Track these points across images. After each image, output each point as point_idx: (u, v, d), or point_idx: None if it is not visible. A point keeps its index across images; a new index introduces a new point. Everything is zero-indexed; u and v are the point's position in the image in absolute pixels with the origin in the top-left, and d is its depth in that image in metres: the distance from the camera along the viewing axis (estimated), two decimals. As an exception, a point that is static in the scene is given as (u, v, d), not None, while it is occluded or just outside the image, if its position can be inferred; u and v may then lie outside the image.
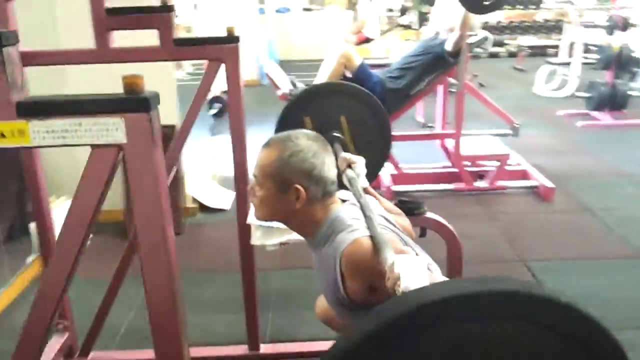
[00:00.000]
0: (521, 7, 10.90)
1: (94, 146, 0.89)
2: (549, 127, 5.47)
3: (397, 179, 3.91)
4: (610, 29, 5.54)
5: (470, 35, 3.69)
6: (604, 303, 2.46)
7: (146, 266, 0.95)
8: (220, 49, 1.85)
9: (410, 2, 9.70)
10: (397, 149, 3.68)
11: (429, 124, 5.01)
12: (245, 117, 1.96)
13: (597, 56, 5.76)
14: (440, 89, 4.08)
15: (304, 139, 1.39)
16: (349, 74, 3.67)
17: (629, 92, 5.55)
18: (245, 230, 2.04)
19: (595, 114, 5.62)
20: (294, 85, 4.01)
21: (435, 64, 3.65)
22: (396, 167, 3.97)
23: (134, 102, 0.87)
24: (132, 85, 0.87)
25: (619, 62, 5.46)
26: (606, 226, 3.26)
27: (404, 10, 9.66)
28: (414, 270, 1.08)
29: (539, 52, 9.87)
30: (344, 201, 1.46)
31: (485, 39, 3.63)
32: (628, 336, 2.32)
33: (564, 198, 3.69)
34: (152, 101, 0.88)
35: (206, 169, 4.17)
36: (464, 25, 3.36)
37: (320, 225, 1.39)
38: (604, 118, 5.53)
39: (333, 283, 1.32)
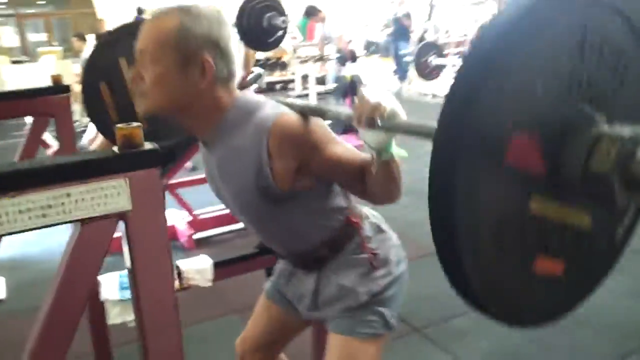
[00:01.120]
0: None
1: (85, 221, 0.67)
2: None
3: (195, 225, 3.76)
4: (341, 61, 6.30)
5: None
6: (414, 300, 2.77)
7: (151, 341, 0.75)
8: (48, 100, 1.57)
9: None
10: (187, 196, 3.69)
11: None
12: None
13: (329, 86, 6.51)
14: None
15: (206, 8, 1.18)
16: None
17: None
18: (97, 311, 1.73)
19: (342, 137, 6.29)
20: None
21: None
22: (190, 213, 3.82)
23: (137, 157, 0.69)
24: (130, 137, 0.69)
25: (353, 89, 6.24)
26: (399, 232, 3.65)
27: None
28: (386, 95, 1.04)
29: (281, 87, 10.58)
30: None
31: (260, 75, 3.77)
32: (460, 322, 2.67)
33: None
34: (159, 153, 0.71)
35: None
36: (247, 65, 3.46)
37: (227, 109, 1.20)
38: (350, 139, 6.22)
39: (254, 170, 1.18)
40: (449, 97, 0.70)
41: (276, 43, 3.40)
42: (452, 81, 0.72)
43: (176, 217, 3.80)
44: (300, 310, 1.49)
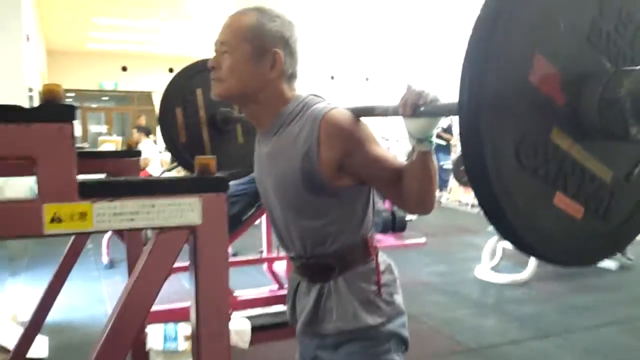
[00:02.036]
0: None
1: (161, 229, 0.81)
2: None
3: (233, 305, 3.83)
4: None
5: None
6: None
7: (204, 346, 0.85)
8: (122, 161, 1.76)
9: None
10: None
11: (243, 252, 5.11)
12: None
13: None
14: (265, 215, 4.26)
15: (279, 11, 1.35)
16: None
17: (406, 218, 6.46)
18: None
19: (380, 236, 6.36)
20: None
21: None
22: (230, 294, 3.92)
23: (210, 182, 0.84)
24: (206, 166, 0.84)
25: (394, 225, 6.31)
26: (431, 327, 3.65)
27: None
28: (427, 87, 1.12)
29: None
30: None
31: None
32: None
33: (385, 309, 4.04)
34: (227, 181, 0.86)
35: (4, 311, 3.58)
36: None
37: (288, 102, 1.34)
38: (388, 240, 6.29)
39: (302, 154, 1.28)
40: (479, 18, 0.80)
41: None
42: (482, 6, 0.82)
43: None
44: (298, 328, 1.49)
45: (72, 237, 1.76)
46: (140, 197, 0.79)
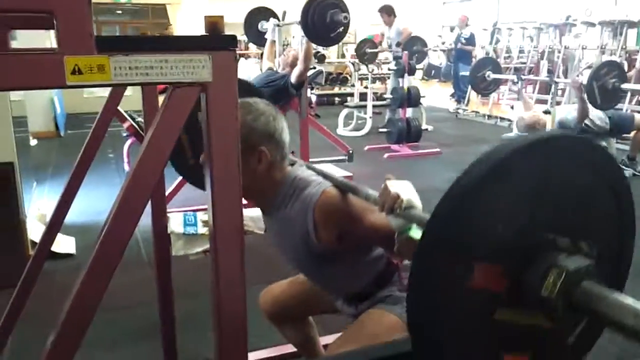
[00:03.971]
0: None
1: (175, 84, 0.87)
2: (362, 161, 6.07)
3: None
4: (399, 73, 6.44)
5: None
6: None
7: (218, 211, 0.93)
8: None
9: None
10: None
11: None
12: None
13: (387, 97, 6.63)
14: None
15: (262, 104, 1.43)
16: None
17: (421, 127, 6.48)
18: (162, 242, 1.94)
19: (395, 146, 6.41)
20: (133, 119, 3.91)
21: (278, 96, 3.88)
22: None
23: (220, 40, 0.88)
24: (215, 24, 0.88)
25: (409, 101, 6.35)
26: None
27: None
28: (406, 187, 1.21)
29: (339, 101, 10.55)
30: (291, 164, 1.52)
31: (320, 72, 3.96)
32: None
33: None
34: (236, 40, 0.90)
35: (34, 213, 3.76)
36: (307, 59, 3.66)
37: (279, 186, 1.43)
38: (403, 149, 6.34)
39: (303, 237, 1.39)
40: (425, 234, 0.89)
41: (337, 39, 3.60)
42: (430, 222, 0.89)
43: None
44: (336, 304, 1.68)
45: (88, 137, 1.84)
46: (154, 52, 0.84)
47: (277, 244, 1.55)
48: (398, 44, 6.99)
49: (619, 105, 5.63)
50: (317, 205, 1.35)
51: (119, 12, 16.01)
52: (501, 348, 0.94)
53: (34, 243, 3.22)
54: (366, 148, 6.61)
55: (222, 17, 0.88)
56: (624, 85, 4.70)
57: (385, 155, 6.22)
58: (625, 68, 5.69)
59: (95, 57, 0.81)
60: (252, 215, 2.04)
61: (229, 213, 0.94)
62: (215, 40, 0.88)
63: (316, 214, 1.35)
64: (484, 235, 0.86)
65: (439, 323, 0.88)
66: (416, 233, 1.21)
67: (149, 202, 1.92)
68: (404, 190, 1.19)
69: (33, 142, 7.04)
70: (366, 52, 7.88)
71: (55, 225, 1.86)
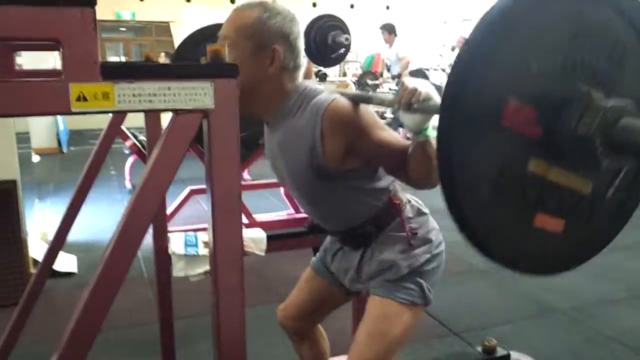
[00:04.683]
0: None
1: (177, 111, 0.88)
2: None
3: (250, 227, 3.98)
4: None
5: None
6: (466, 310, 2.86)
7: (219, 235, 0.93)
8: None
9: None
10: (245, 200, 3.87)
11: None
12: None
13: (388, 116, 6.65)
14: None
15: (281, 6, 1.38)
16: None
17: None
18: (163, 263, 1.95)
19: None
20: (135, 137, 3.94)
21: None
22: (249, 217, 4.06)
23: (222, 68, 0.90)
24: (217, 52, 0.90)
25: None
26: (447, 248, 3.75)
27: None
28: (424, 82, 1.18)
29: None
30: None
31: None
32: (499, 330, 2.73)
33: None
34: (238, 69, 0.91)
35: (35, 230, 3.77)
36: (307, 78, 3.69)
37: (289, 95, 1.38)
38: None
39: (308, 149, 1.33)
40: (453, 69, 0.84)
41: (338, 59, 3.64)
42: (456, 57, 0.85)
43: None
44: (344, 282, 1.63)
45: (91, 155, 1.86)
46: (157, 79, 0.86)
47: (279, 160, 1.48)
48: (398, 76, 7.02)
49: None
50: (326, 111, 1.31)
51: (123, 29, 16.16)
52: (536, 206, 0.91)
53: (35, 261, 3.23)
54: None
55: (224, 45, 0.89)
56: None
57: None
58: None
59: (100, 84, 0.83)
60: (253, 236, 2.05)
61: (229, 237, 0.95)
62: (217, 69, 0.89)
63: (324, 121, 1.30)
64: (517, 72, 0.83)
65: (472, 168, 0.85)
66: (433, 133, 1.19)
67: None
68: (422, 85, 1.16)
69: (36, 158, 7.08)
70: (368, 83, 7.98)
71: (57, 243, 1.87)
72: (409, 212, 1.52)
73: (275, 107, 1.39)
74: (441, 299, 3.09)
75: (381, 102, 1.31)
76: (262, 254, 2.05)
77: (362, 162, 1.40)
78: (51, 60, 6.58)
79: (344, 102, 1.33)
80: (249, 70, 1.30)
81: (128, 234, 0.88)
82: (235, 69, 0.90)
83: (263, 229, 3.94)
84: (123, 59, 15.67)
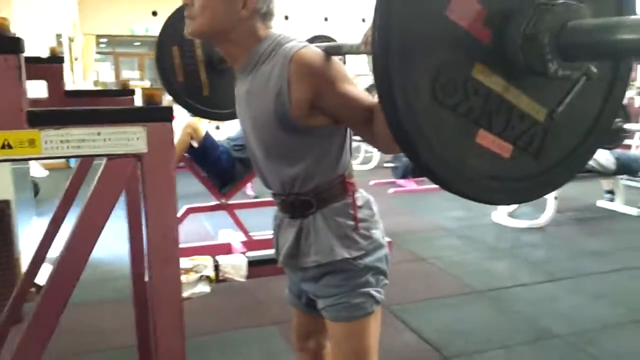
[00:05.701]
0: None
1: (110, 156, 0.87)
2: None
3: (249, 245, 3.97)
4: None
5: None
6: (459, 333, 2.81)
7: (155, 279, 0.92)
8: (129, 101, 1.82)
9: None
10: (241, 217, 3.94)
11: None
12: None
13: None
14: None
15: None
16: (195, 144, 3.73)
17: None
18: (140, 289, 1.93)
19: (401, 181, 6.38)
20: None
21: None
22: (246, 234, 4.04)
23: (155, 112, 0.88)
24: (151, 96, 0.89)
25: (414, 170, 6.29)
26: (440, 270, 3.71)
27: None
28: None
29: None
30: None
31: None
32: (492, 355, 2.68)
33: (398, 251, 4.11)
34: (172, 112, 0.90)
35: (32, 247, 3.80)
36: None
37: (261, 41, 1.36)
38: (409, 185, 6.31)
39: (275, 94, 1.30)
40: None
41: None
42: None
43: (232, 237, 4.02)
44: (280, 260, 1.57)
45: (75, 169, 1.86)
46: (86, 125, 0.85)
47: (245, 110, 1.43)
48: None
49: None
50: (295, 56, 1.27)
51: (137, 43, 16.36)
52: (479, 120, 0.83)
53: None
54: (372, 183, 6.60)
55: (160, 89, 0.88)
56: (627, 126, 4.64)
57: (391, 190, 6.20)
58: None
59: (25, 131, 0.82)
60: (234, 262, 2.03)
61: (166, 281, 0.93)
62: (150, 112, 0.88)
63: (292, 66, 1.27)
64: None
65: (409, 59, 0.77)
66: None
67: (129, 249, 1.93)
68: None
69: (44, 173, 7.15)
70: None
71: (38, 258, 1.87)
72: (358, 199, 1.47)
73: (246, 52, 1.37)
74: (435, 322, 3.07)
75: (350, 49, 1.27)
76: (243, 279, 2.03)
77: (329, 121, 1.36)
78: None
79: (315, 50, 1.30)
80: (221, 12, 1.30)
81: (61, 277, 0.88)
82: (170, 112, 0.89)
83: (261, 249, 3.96)
84: (137, 73, 15.86)
